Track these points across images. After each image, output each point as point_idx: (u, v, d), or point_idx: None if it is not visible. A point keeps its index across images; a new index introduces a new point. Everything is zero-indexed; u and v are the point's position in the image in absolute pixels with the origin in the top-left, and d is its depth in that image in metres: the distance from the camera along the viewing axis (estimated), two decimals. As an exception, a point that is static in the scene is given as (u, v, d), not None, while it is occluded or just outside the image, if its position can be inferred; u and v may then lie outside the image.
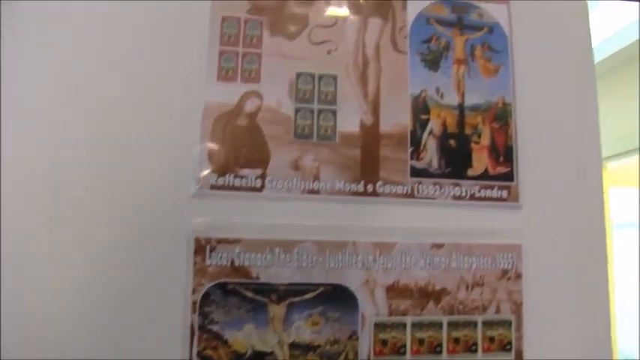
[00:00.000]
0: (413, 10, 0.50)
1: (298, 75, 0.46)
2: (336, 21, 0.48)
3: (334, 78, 0.47)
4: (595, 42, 0.52)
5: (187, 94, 0.43)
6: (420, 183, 0.45)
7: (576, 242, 0.47)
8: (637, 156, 1.49)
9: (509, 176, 0.47)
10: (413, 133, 0.46)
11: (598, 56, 0.53)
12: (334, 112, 0.45)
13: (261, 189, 0.42)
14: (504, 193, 0.47)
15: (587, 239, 0.47)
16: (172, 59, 0.43)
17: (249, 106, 0.45)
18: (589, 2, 0.53)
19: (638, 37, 1.41)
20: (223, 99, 0.44)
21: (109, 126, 0.42)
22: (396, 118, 0.46)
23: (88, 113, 0.41)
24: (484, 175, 0.47)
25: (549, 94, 0.50)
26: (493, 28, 0.52)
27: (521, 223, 0.46)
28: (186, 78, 0.43)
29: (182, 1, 0.44)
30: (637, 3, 0.97)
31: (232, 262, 0.41)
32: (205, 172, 0.42)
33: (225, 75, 0.45)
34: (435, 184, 0.46)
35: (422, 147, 0.46)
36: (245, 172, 0.44)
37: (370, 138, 0.45)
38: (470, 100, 0.48)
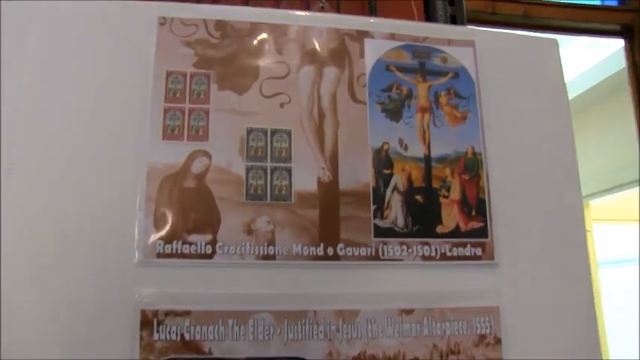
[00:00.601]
0: (371, 57, 0.90)
1: (249, 131, 0.83)
2: (289, 71, 0.87)
3: (288, 133, 0.85)
4: (570, 77, 0.96)
5: (131, 155, 0.78)
6: (384, 244, 0.81)
7: (560, 301, 0.82)
8: (620, 192, 2.73)
9: (482, 232, 0.86)
10: (375, 189, 0.82)
11: (573, 92, 0.94)
12: (289, 170, 0.81)
13: (211, 256, 0.76)
14: (478, 251, 0.84)
15: (572, 297, 0.82)
16: (114, 118, 0.77)
17: (197, 166, 0.81)
18: (563, 37, 0.99)
19: (612, 72, 2.41)
20: (169, 159, 0.79)
21: (46, 190, 0.75)
22: (357, 174, 0.82)
23: (25, 177, 0.76)
24: (455, 232, 0.85)
25: (522, 140, 0.88)
26: (459, 73, 0.93)
27: (498, 283, 0.82)
28: (130, 138, 0.78)
29: (124, 55, 0.82)
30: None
31: (182, 336, 0.72)
32: (151, 239, 0.74)
33: (170, 134, 0.81)
34: (401, 244, 0.82)
35: (386, 204, 0.83)
36: (194, 237, 0.78)
37: (329, 197, 0.80)
38: (436, 151, 0.88)
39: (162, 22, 0.83)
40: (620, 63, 1.79)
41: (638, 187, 2.58)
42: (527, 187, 0.88)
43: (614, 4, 1.75)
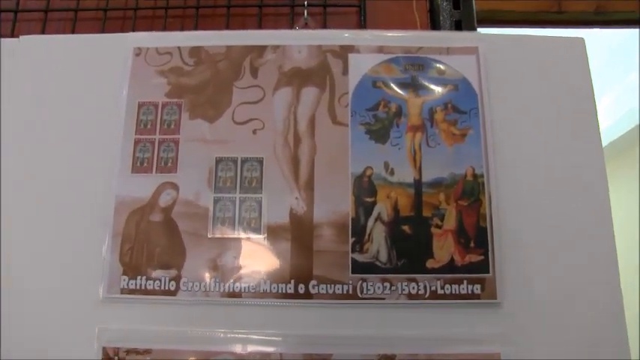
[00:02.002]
0: (356, 74, 0.82)
1: (218, 160, 0.79)
2: (264, 95, 0.82)
3: (260, 161, 0.80)
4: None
5: (99, 189, 0.76)
6: (364, 280, 0.72)
7: (573, 350, 0.72)
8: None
9: (482, 266, 0.73)
10: (355, 219, 0.74)
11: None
12: (259, 201, 0.76)
13: (175, 292, 0.72)
14: (477, 289, 0.73)
15: (594, 343, 0.71)
16: (85, 151, 0.75)
17: (165, 199, 0.79)
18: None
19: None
20: (137, 193, 0.77)
21: (12, 220, 0.78)
22: (334, 204, 0.74)
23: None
24: (449, 267, 0.73)
25: (535, 158, 0.75)
26: (458, 85, 0.82)
27: (501, 327, 0.70)
28: (100, 171, 0.76)
29: (99, 87, 0.82)
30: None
31: None
32: (116, 275, 0.75)
33: (139, 166, 0.79)
34: (383, 280, 0.72)
35: (367, 236, 0.74)
36: (158, 273, 0.75)
37: (302, 229, 0.73)
38: (429, 175, 0.76)
39: (138, 52, 0.82)
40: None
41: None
42: (540, 213, 0.75)
43: None
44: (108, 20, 0.93)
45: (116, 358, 0.72)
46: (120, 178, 0.77)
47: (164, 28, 0.90)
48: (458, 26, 0.89)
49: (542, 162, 0.77)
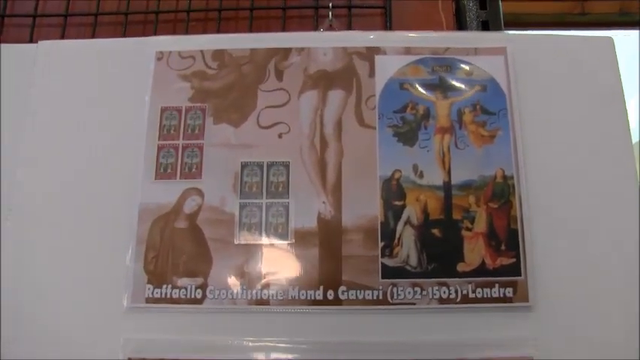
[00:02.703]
0: (383, 76, 0.81)
1: (243, 165, 0.77)
2: (289, 99, 0.80)
3: (286, 165, 0.78)
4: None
5: (123, 196, 0.74)
6: (394, 285, 0.71)
7: (606, 351, 0.68)
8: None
9: (514, 269, 0.72)
10: (384, 224, 0.73)
11: None
12: (286, 206, 0.74)
13: (201, 300, 0.70)
14: (509, 292, 0.71)
15: (620, 347, 0.68)
16: (108, 158, 0.74)
17: (190, 205, 0.77)
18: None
19: None
20: (161, 199, 0.75)
21: (37, 231, 0.77)
22: (363, 208, 0.73)
23: (19, 218, 0.77)
24: (480, 270, 0.72)
25: (565, 159, 0.73)
26: (487, 86, 0.81)
27: (533, 331, 0.68)
28: (123, 178, 0.74)
29: (121, 93, 0.81)
30: None
31: None
32: (140, 283, 0.72)
33: (163, 172, 0.78)
34: (414, 285, 0.71)
35: (396, 240, 0.73)
36: (184, 281, 0.74)
37: (330, 234, 0.72)
38: (458, 177, 0.75)
39: (160, 56, 0.80)
40: None
41: None
42: (571, 215, 0.74)
43: None
44: (129, 25, 0.92)
45: (143, 368, 0.70)
46: (143, 184, 0.76)
47: (186, 32, 0.88)
48: (485, 27, 0.87)
49: (572, 163, 0.76)
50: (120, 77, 0.80)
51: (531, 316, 0.70)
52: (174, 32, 0.92)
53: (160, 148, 0.77)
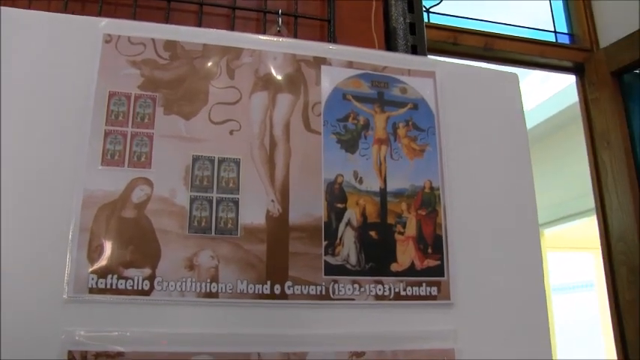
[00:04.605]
0: (328, 85, 0.84)
1: (195, 159, 0.75)
2: (241, 97, 0.80)
3: (237, 162, 0.77)
4: (527, 107, 0.92)
5: (66, 181, 0.69)
6: (335, 282, 0.74)
7: (517, 341, 0.76)
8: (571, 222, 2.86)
9: (438, 270, 0.79)
10: (327, 224, 0.75)
11: (530, 122, 0.91)
12: (236, 202, 0.74)
13: (149, 292, 0.67)
14: (434, 290, 0.77)
15: (529, 337, 0.77)
16: (49, 139, 0.69)
17: (138, 195, 0.73)
18: (522, 70, 0.95)
19: (569, 104, 2.56)
20: (107, 187, 0.70)
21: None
22: (308, 208, 0.75)
23: None
24: (410, 271, 0.78)
25: (481, 174, 0.82)
26: (418, 105, 0.88)
27: (454, 324, 0.76)
28: (66, 162, 0.68)
29: (65, 72, 0.74)
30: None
31: None
32: (83, 273, 0.66)
33: (110, 159, 0.73)
34: (353, 282, 0.75)
35: (338, 240, 0.76)
36: (131, 272, 0.70)
37: (278, 231, 0.73)
38: (393, 185, 0.81)
39: (108, 39, 0.75)
40: (574, 96, 1.78)
41: (587, 218, 2.62)
42: (485, 223, 0.83)
43: (567, 40, 1.74)
44: (69, 1, 0.84)
45: (83, 362, 0.65)
46: (88, 170, 0.70)
47: (134, 18, 0.83)
48: (414, 50, 0.94)
49: (485, 179, 0.84)
50: (66, 55, 0.73)
51: (452, 312, 0.78)
52: (115, 16, 0.86)
53: (106, 134, 0.72)
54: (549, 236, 3.22)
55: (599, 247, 1.61)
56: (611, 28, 1.64)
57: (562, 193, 2.88)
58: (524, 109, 0.88)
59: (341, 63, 0.83)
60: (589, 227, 2.31)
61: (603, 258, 1.58)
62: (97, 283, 0.67)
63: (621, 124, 1.59)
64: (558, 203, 2.91)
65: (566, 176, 2.83)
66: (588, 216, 2.61)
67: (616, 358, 1.52)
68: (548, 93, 2.81)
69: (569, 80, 2.39)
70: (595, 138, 1.63)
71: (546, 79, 2.81)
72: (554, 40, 1.70)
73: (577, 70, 1.68)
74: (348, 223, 0.77)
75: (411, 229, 0.79)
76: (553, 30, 1.73)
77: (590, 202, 1.68)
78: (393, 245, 0.78)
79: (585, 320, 3.48)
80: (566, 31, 1.74)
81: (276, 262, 0.73)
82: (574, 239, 3.44)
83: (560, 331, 3.26)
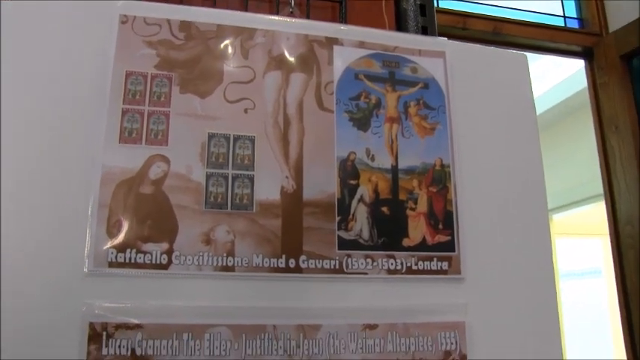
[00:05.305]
0: (340, 65, 0.85)
1: (211, 136, 0.76)
2: (254, 76, 0.81)
3: (251, 140, 0.78)
4: (537, 94, 0.92)
5: (85, 158, 0.69)
6: (349, 256, 0.75)
7: (525, 315, 0.76)
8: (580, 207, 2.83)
9: (449, 246, 0.79)
10: (340, 200, 0.76)
11: (540, 108, 0.92)
12: (251, 178, 0.75)
13: (167, 266, 0.68)
14: (445, 265, 0.78)
15: (538, 311, 0.77)
16: (68, 118, 0.70)
17: (155, 171, 0.74)
18: (530, 56, 0.95)
19: (578, 89, 2.50)
20: (125, 164, 0.71)
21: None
22: (322, 184, 0.76)
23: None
24: (421, 246, 0.78)
25: (491, 153, 0.82)
26: (429, 84, 0.88)
27: (465, 298, 0.76)
28: (84, 140, 0.69)
29: (83, 53, 0.74)
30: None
31: (133, 351, 0.65)
32: (103, 248, 0.67)
33: (128, 137, 0.74)
34: (366, 257, 0.75)
35: (351, 216, 0.77)
36: (149, 246, 0.71)
37: (292, 207, 0.74)
38: (404, 163, 0.81)
39: (124, 20, 0.76)
40: (583, 81, 1.77)
41: (595, 203, 2.60)
42: (495, 201, 0.83)
43: (576, 25, 1.73)
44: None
45: (104, 333, 0.66)
46: (106, 148, 0.71)
47: (148, -1, 0.84)
48: (424, 31, 0.94)
49: (494, 156, 0.84)
50: (83, 37, 0.74)
51: (463, 286, 0.78)
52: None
53: (124, 112, 0.73)
54: (558, 222, 3.20)
55: (607, 233, 1.60)
56: (620, 12, 1.63)
57: (571, 179, 2.86)
58: (537, 93, 0.88)
59: (353, 43, 0.84)
60: (597, 213, 2.31)
61: (611, 242, 1.57)
62: (116, 257, 0.68)
63: (630, 108, 1.58)
64: (568, 189, 2.89)
65: (575, 162, 2.81)
66: (597, 201, 2.59)
67: (623, 342, 1.51)
68: (556, 79, 2.79)
69: (578, 66, 2.38)
70: (603, 122, 1.62)
71: (555, 66, 2.79)
72: (563, 25, 1.69)
73: (586, 54, 1.67)
74: (361, 200, 0.77)
75: (422, 206, 0.79)
76: (562, 14, 1.72)
77: (599, 187, 1.67)
78: (405, 221, 0.78)
79: (593, 305, 3.46)
80: (575, 15, 1.73)
81: (291, 237, 0.74)
82: (582, 225, 3.42)
83: (567, 316, 3.25)
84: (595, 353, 3.36)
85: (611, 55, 1.60)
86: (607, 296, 3.36)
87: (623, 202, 1.54)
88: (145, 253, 0.69)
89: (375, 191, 0.78)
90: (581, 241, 3.64)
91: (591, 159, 1.76)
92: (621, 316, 1.51)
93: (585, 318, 3.48)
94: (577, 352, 3.31)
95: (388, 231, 0.77)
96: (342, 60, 0.82)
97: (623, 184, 1.56)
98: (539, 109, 0.88)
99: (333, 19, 0.92)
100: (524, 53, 0.91)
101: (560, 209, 3.04)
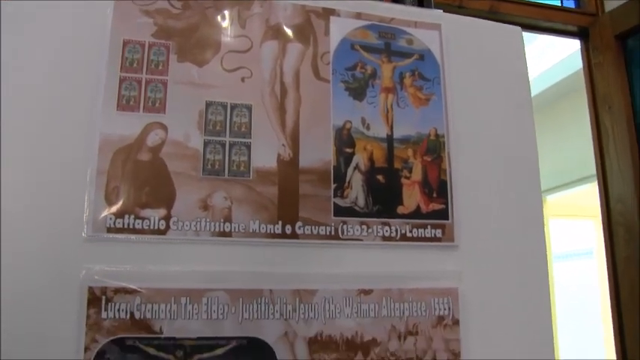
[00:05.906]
0: (336, 35, 0.84)
1: (208, 104, 0.76)
2: (252, 46, 0.80)
3: (248, 108, 0.78)
4: (531, 76, 0.92)
5: (83, 126, 0.69)
6: (344, 223, 0.75)
7: (517, 283, 0.77)
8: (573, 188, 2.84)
9: (443, 214, 0.80)
10: (336, 168, 0.76)
11: (534, 90, 0.92)
12: (248, 146, 0.75)
13: (165, 231, 0.68)
14: (438, 233, 0.78)
15: (529, 279, 0.78)
16: (66, 86, 0.69)
17: (153, 139, 0.74)
18: (527, 34, 0.94)
19: (573, 71, 2.51)
20: (123, 131, 0.71)
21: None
22: (318, 152, 0.75)
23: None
24: (416, 213, 0.78)
25: (485, 125, 0.82)
26: (424, 55, 0.88)
27: (458, 265, 0.77)
28: (82, 107, 0.68)
29: (80, 21, 0.74)
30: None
31: (132, 314, 0.65)
32: (101, 214, 0.67)
33: (125, 104, 0.74)
34: (361, 223, 0.76)
35: (346, 183, 0.77)
36: (147, 212, 0.71)
37: (288, 174, 0.74)
38: (399, 132, 0.82)
39: (121, -11, 0.75)
40: (577, 63, 1.77)
41: (588, 184, 2.61)
42: (488, 171, 0.83)
43: (572, 4, 1.72)
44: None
45: (103, 297, 0.67)
46: (104, 115, 0.71)
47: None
48: (420, 3, 0.94)
49: (488, 127, 0.85)
50: (80, 5, 0.73)
51: (456, 254, 0.79)
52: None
53: (122, 80, 0.73)
54: (551, 203, 3.22)
55: (600, 213, 1.61)
56: (616, -7, 1.62)
57: (564, 161, 2.87)
58: (535, 72, 0.88)
59: (349, 14, 0.83)
60: (590, 195, 2.32)
61: (603, 222, 1.58)
62: (114, 223, 0.68)
63: (623, 87, 1.58)
64: (561, 170, 2.90)
65: (569, 143, 2.82)
66: (590, 182, 2.60)
67: (611, 321, 1.52)
68: (551, 61, 2.79)
69: (573, 48, 2.37)
70: (597, 102, 1.62)
71: (549, 46, 2.78)
72: (559, 4, 1.68)
73: (582, 34, 1.67)
74: (356, 168, 0.78)
75: (417, 174, 0.80)
76: (559, -6, 1.72)
77: (592, 169, 1.68)
78: (400, 189, 0.78)
79: (584, 286, 3.49)
80: (571, -6, 1.72)
81: (287, 204, 0.74)
82: (575, 206, 3.44)
83: (559, 296, 3.28)
84: (585, 333, 3.40)
85: (606, 35, 1.60)
86: (598, 278, 3.39)
87: (615, 181, 1.55)
88: (143, 218, 0.69)
89: (371, 160, 0.78)
90: (573, 223, 3.66)
91: (585, 141, 1.77)
92: (610, 292, 1.52)
93: (576, 299, 3.51)
94: (568, 331, 3.34)
95: (383, 199, 0.77)
96: (338, 30, 0.82)
97: (616, 163, 1.57)
98: (534, 90, 0.88)
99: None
100: (518, 27, 0.91)
101: (554, 190, 3.05)
